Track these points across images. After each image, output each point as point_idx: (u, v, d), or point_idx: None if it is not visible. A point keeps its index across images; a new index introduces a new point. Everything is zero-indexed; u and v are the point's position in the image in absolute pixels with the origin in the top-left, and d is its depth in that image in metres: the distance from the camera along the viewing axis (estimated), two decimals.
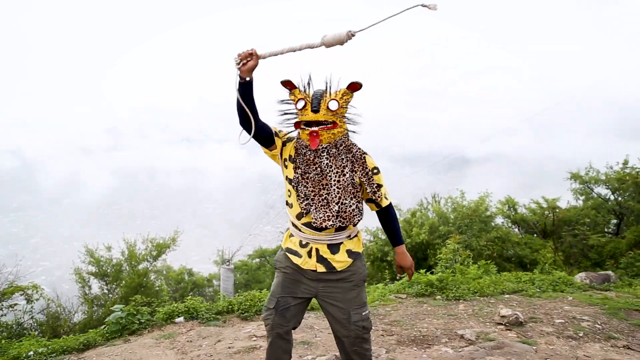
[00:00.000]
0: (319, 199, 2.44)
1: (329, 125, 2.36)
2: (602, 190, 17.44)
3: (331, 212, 2.42)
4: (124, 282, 12.14)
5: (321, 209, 2.43)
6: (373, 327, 4.48)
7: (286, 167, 2.52)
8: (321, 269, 2.50)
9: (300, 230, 2.53)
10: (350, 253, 2.51)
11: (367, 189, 2.50)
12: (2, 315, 9.90)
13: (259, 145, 2.54)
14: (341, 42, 2.24)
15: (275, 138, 2.51)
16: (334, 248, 2.49)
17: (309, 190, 2.45)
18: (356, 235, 2.59)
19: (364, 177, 2.48)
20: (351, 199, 2.45)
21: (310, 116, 2.35)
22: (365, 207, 2.61)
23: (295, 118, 2.45)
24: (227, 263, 12.05)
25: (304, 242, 2.54)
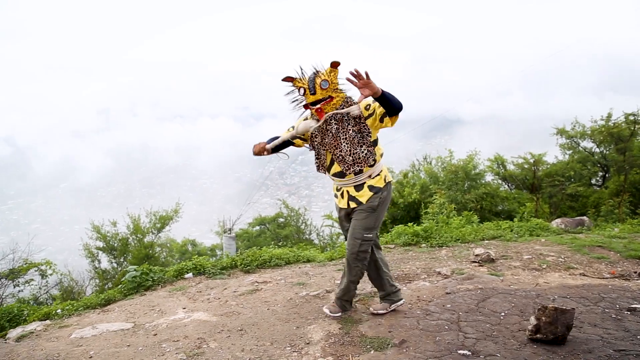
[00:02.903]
0: (337, 156, 3.23)
1: (327, 100, 3.11)
2: (589, 144, 18.01)
3: (347, 163, 3.20)
4: (131, 254, 12.72)
5: (341, 163, 3.22)
6: None
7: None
8: (353, 205, 3.32)
9: (333, 180, 3.40)
10: (371, 188, 3.27)
11: (376, 117, 3.14)
12: (19, 292, 10.50)
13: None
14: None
15: (295, 140, 3.43)
16: (359, 187, 3.28)
17: (327, 152, 3.29)
18: (378, 175, 3.29)
19: (368, 115, 3.16)
20: (360, 147, 3.17)
21: (311, 98, 3.10)
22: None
23: (303, 101, 3.21)
24: (229, 231, 12.63)
25: (338, 187, 3.41)
